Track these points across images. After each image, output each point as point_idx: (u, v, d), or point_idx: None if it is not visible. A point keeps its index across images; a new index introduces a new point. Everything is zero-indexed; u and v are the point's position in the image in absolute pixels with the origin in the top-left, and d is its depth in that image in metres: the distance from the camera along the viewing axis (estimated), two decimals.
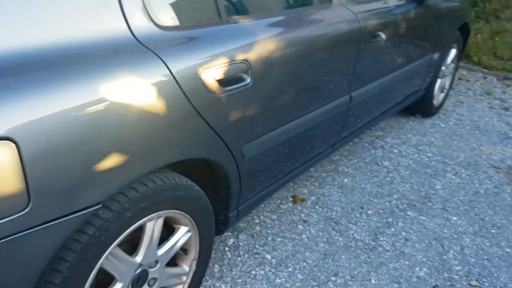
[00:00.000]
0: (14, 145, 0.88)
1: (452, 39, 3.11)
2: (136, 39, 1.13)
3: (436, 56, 2.89)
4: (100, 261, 1.14)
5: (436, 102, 3.40)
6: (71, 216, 1.02)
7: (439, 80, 3.29)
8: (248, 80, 1.39)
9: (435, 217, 2.28)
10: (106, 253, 1.15)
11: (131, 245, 1.32)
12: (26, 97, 0.89)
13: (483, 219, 2.28)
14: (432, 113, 3.41)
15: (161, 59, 1.14)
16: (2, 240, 0.92)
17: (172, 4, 1.27)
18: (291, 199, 2.35)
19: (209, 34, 1.31)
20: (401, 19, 2.26)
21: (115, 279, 1.24)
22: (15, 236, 0.94)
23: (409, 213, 2.29)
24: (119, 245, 1.22)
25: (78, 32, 1.03)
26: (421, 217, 2.26)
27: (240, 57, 1.35)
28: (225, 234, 2.05)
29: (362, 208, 2.31)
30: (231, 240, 2.02)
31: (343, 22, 1.84)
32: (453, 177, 2.65)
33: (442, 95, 3.50)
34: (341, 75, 1.93)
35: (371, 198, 2.40)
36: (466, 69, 4.44)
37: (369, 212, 2.28)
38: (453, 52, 3.34)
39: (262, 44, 1.44)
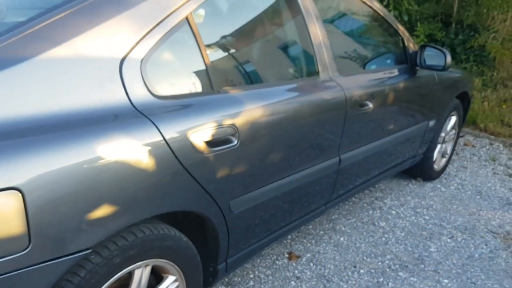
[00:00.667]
0: (20, 194, 1.06)
1: (450, 107, 3.26)
2: (134, 107, 1.32)
3: (432, 123, 3.04)
4: None
5: (437, 166, 3.51)
6: (65, 258, 1.17)
7: (439, 146, 3.41)
8: (235, 142, 1.56)
9: (426, 279, 2.33)
10: None
11: None
12: (33, 154, 1.08)
13: (475, 283, 2.32)
14: (433, 177, 3.50)
15: (154, 123, 1.32)
16: (3, 276, 1.07)
17: (168, 76, 1.47)
18: (287, 255, 2.44)
19: (200, 103, 1.50)
20: (390, 89, 2.44)
21: None
22: (16, 272, 1.09)
23: (400, 273, 2.35)
24: None
25: (84, 101, 1.23)
26: (412, 278, 2.32)
27: (227, 122, 1.53)
28: (218, 287, 2.15)
29: (354, 267, 2.38)
30: None
31: (328, 93, 2.02)
32: (449, 240, 2.70)
33: (444, 160, 3.60)
34: (329, 139, 2.08)
35: (365, 258, 2.47)
36: (472, 135, 4.54)
37: (361, 271, 2.35)
38: (453, 119, 3.47)
39: (250, 111, 1.62)
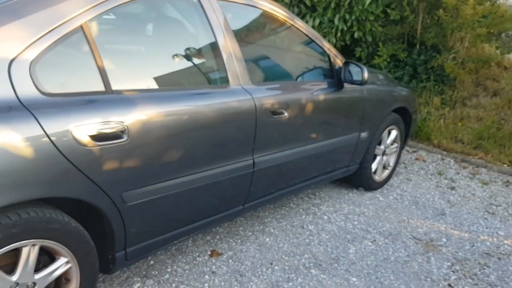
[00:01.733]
0: None
1: (387, 121, 3.44)
2: (20, 102, 1.51)
3: (364, 134, 3.21)
4: None
5: (378, 177, 3.67)
6: None
7: (378, 157, 3.58)
8: (125, 138, 1.74)
9: (335, 276, 2.47)
10: None
11: (13, 267, 1.62)
12: None
13: (382, 283, 2.46)
14: (374, 188, 3.66)
15: (35, 117, 1.51)
16: None
17: (59, 76, 1.67)
18: (209, 252, 2.60)
19: (90, 101, 1.70)
20: (310, 100, 2.62)
21: None
22: None
23: (312, 271, 2.50)
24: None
25: None
26: (322, 275, 2.47)
27: (117, 119, 1.72)
28: (134, 278, 2.31)
29: (271, 264, 2.54)
30: (137, 285, 2.27)
31: (236, 100, 2.21)
32: (369, 243, 2.85)
33: (387, 171, 3.77)
34: (238, 142, 2.26)
35: (283, 256, 2.62)
36: (425, 150, 4.70)
37: (276, 267, 2.51)
38: (393, 133, 3.65)
39: (143, 111, 1.81)
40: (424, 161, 4.46)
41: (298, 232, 2.91)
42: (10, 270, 1.60)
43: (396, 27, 5.60)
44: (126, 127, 1.75)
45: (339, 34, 5.35)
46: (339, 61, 2.94)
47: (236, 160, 2.28)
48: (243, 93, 2.26)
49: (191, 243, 2.67)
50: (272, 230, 2.90)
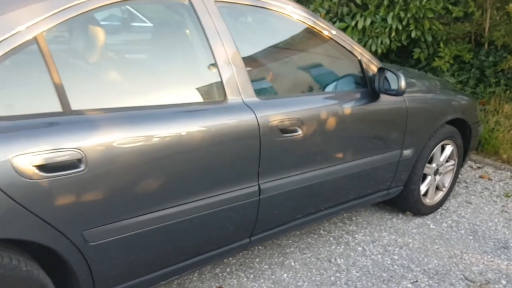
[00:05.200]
0: None
1: (438, 135, 2.93)
2: None
3: (407, 152, 2.74)
4: None
5: (429, 200, 3.16)
6: None
7: (429, 177, 3.08)
8: (82, 167, 1.47)
9: None
10: None
11: None
12: None
13: None
14: (424, 213, 3.15)
15: None
16: None
17: (3, 96, 1.43)
18: None
19: (39, 124, 1.44)
20: (333, 114, 2.22)
21: None
22: None
23: None
24: None
25: None
26: None
27: (72, 145, 1.45)
28: None
29: None
30: None
31: (234, 117, 1.87)
32: (409, 285, 2.39)
33: (441, 193, 3.24)
34: (238, 167, 1.93)
35: None
36: (493, 167, 4.06)
37: None
38: (448, 149, 3.13)
39: (108, 135, 1.53)
40: (489, 179, 3.84)
41: (323, 267, 2.51)
42: None
43: (461, 25, 4.97)
44: (83, 154, 1.47)
45: (393, 34, 4.83)
46: (374, 67, 2.51)
47: (234, 187, 1.94)
48: (243, 109, 1.92)
49: (197, 277, 2.37)
50: (292, 264, 2.53)
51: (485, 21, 4.84)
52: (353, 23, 5.01)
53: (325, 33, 2.33)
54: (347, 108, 2.33)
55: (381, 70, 2.42)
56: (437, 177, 3.16)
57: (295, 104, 2.15)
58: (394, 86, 2.33)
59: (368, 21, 4.91)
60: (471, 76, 4.81)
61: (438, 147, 3.03)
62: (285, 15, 2.17)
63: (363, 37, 5.03)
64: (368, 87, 2.48)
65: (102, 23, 1.74)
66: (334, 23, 5.20)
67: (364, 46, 4.97)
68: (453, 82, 4.76)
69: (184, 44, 1.96)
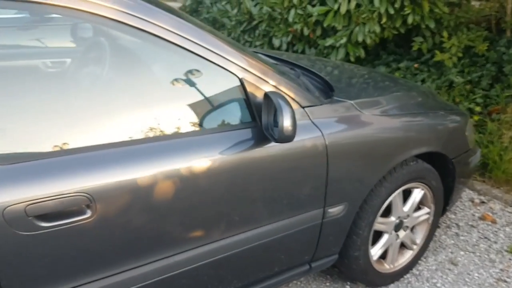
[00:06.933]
0: None
1: (396, 179, 1.99)
2: None
3: (336, 210, 1.81)
4: None
5: (390, 266, 2.22)
6: None
7: (386, 236, 2.14)
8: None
9: None
10: None
11: None
12: None
13: None
14: (379, 284, 2.22)
15: None
16: None
17: None
18: None
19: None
20: (173, 175, 1.33)
21: None
22: None
23: None
24: None
25: None
26: None
27: None
28: None
29: None
30: None
31: None
32: None
33: (410, 253, 2.30)
34: None
35: None
36: (502, 201, 3.01)
37: None
38: (417, 194, 2.17)
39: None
40: (493, 222, 2.81)
41: None
42: None
43: (476, 8, 3.87)
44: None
45: (384, 19, 3.78)
46: (267, 88, 1.58)
47: None
48: None
49: None
50: None
51: (506, 2, 3.72)
52: (335, 6, 3.99)
53: (170, 38, 1.42)
54: (213, 158, 1.43)
55: (266, 97, 1.50)
56: (402, 233, 2.22)
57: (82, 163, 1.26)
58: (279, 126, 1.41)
59: (353, 4, 3.87)
60: (484, 74, 3.71)
61: (398, 193, 2.08)
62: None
63: (348, 25, 4.02)
64: (257, 120, 1.56)
65: None
66: (313, 6, 4.21)
67: (350, 35, 3.97)
68: (460, 82, 3.68)
69: None
